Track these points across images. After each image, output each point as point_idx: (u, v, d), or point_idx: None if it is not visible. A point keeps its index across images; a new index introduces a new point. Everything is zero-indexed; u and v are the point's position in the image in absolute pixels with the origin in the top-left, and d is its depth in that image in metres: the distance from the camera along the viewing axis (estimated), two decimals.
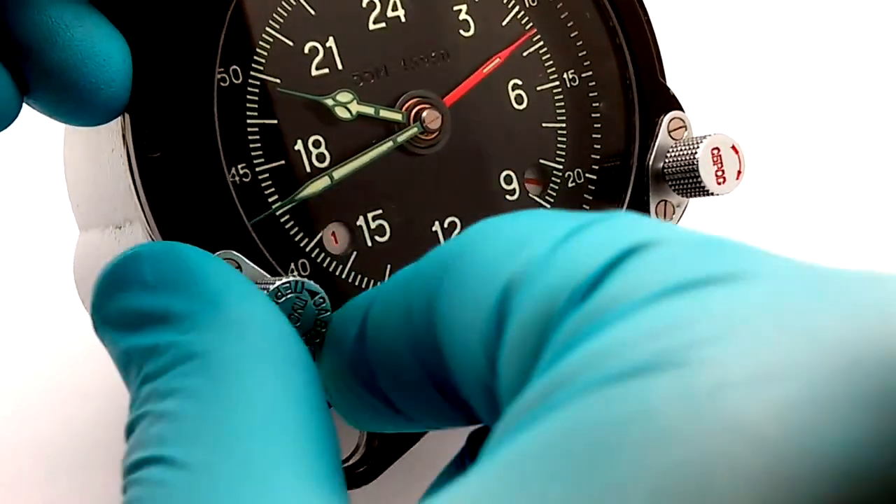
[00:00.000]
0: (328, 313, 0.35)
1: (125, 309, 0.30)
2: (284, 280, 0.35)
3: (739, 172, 0.43)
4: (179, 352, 0.28)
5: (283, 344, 0.30)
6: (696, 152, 0.42)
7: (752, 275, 0.21)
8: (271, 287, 0.34)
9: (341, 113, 0.41)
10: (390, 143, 0.41)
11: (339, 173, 0.41)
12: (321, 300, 0.35)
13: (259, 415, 0.27)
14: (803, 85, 0.69)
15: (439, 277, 0.28)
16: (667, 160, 0.44)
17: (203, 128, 0.38)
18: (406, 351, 0.29)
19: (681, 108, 0.45)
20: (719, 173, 0.43)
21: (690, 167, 0.43)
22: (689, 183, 0.43)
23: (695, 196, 0.44)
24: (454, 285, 0.27)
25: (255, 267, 0.37)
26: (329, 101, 0.41)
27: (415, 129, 0.42)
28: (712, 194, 0.43)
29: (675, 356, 0.20)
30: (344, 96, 0.41)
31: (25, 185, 0.58)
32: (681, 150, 0.43)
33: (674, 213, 0.45)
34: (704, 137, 0.43)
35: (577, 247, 0.24)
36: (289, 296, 0.35)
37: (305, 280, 0.35)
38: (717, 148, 0.43)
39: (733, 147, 0.43)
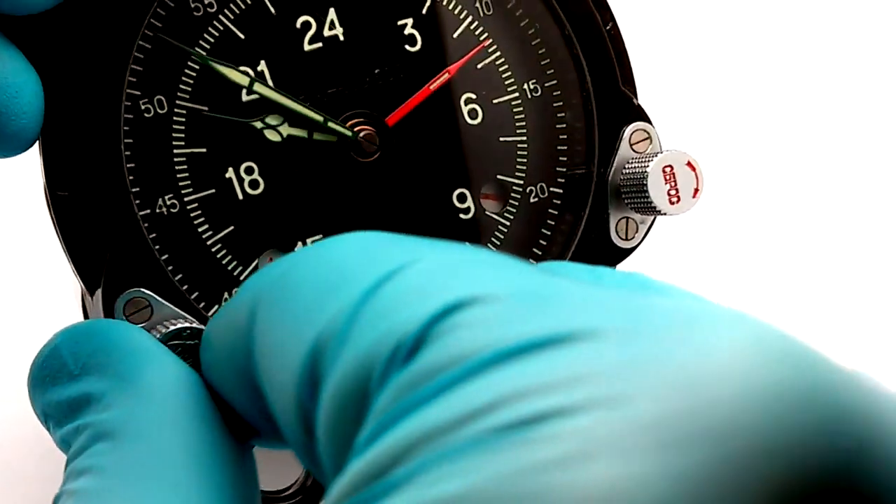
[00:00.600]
0: None
1: (56, 402, 0.32)
2: (171, 329, 0.34)
3: (696, 190, 0.40)
4: (95, 431, 0.29)
5: (188, 406, 0.30)
6: (646, 169, 0.40)
7: (586, 334, 0.20)
8: (160, 336, 0.34)
9: (271, 136, 0.40)
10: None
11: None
12: (189, 333, 0.35)
13: (163, 484, 0.28)
14: (789, 96, 0.66)
15: (252, 315, 0.27)
16: (622, 175, 0.42)
17: (110, 164, 0.38)
18: (237, 387, 0.29)
19: (646, 119, 0.43)
20: (672, 192, 0.40)
21: (640, 184, 0.40)
22: (640, 201, 0.41)
23: (649, 215, 0.42)
24: (265, 330, 0.26)
25: (167, 304, 0.37)
26: (258, 124, 0.40)
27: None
28: (664, 214, 0.40)
29: (507, 434, 0.19)
30: (274, 119, 0.40)
31: (27, 187, 0.60)
32: (634, 166, 0.41)
33: (636, 230, 0.43)
34: (660, 152, 0.41)
35: (389, 299, 0.23)
36: (181, 343, 0.34)
37: (190, 326, 0.35)
38: (670, 165, 0.40)
39: (689, 164, 0.40)
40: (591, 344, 0.20)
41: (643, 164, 0.40)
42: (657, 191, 0.40)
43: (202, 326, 0.35)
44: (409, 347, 0.21)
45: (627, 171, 0.41)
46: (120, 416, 0.29)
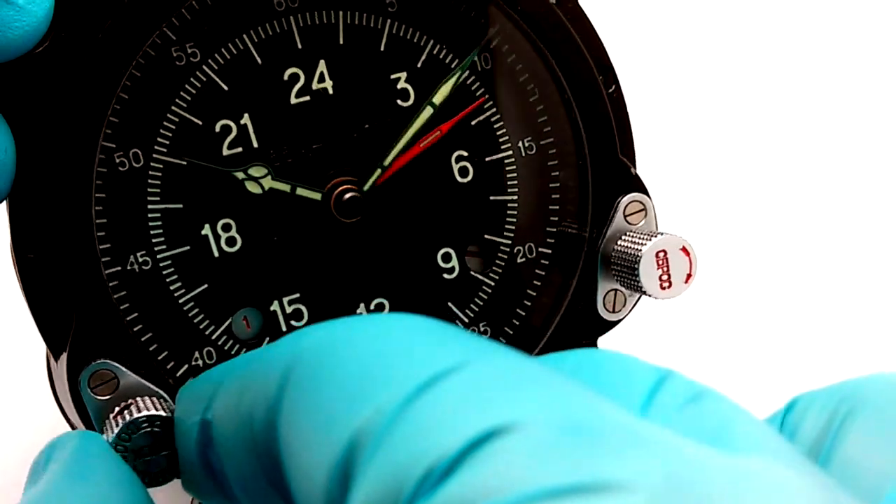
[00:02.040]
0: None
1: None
2: (114, 435, 0.34)
3: (689, 276, 0.39)
4: None
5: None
6: (639, 252, 0.39)
7: (624, 485, 0.19)
8: (110, 440, 0.33)
9: (252, 188, 0.39)
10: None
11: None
12: (147, 424, 0.34)
13: None
14: (790, 174, 0.65)
15: (280, 387, 0.26)
16: (614, 251, 0.40)
17: (77, 229, 0.36)
18: (249, 458, 0.28)
19: (644, 192, 0.41)
20: (664, 277, 0.39)
21: (631, 267, 0.39)
22: (630, 281, 0.40)
23: (639, 294, 0.40)
24: (296, 409, 0.25)
25: (134, 375, 0.36)
26: (239, 175, 0.38)
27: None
28: (654, 298, 0.39)
29: None
30: (257, 170, 0.39)
31: None
32: (627, 243, 0.40)
33: (624, 304, 0.42)
34: (655, 235, 0.39)
35: (430, 413, 0.22)
36: (130, 440, 0.34)
37: (148, 415, 0.34)
38: (664, 251, 0.39)
39: (684, 249, 0.39)
40: (619, 497, 0.19)
41: (636, 246, 0.39)
42: (648, 276, 0.39)
43: (164, 415, 0.34)
44: (441, 472, 0.21)
45: (620, 247, 0.40)
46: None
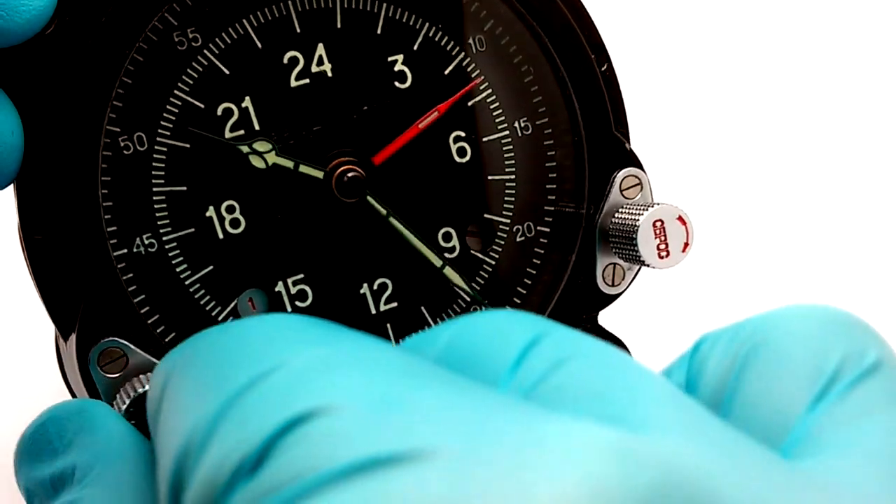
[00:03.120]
0: None
1: (39, 480, 0.31)
2: (133, 396, 0.34)
3: (686, 245, 0.40)
4: None
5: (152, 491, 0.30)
6: (636, 222, 0.39)
7: (424, 454, 0.20)
8: (124, 407, 0.34)
9: (256, 162, 0.39)
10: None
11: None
12: None
13: None
14: (784, 149, 0.66)
15: (160, 398, 0.26)
16: (611, 224, 0.41)
17: (85, 209, 0.37)
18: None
19: (639, 166, 0.42)
20: (661, 247, 0.39)
21: (629, 237, 0.40)
22: (629, 252, 0.40)
23: (637, 265, 0.41)
24: (161, 420, 0.26)
25: (142, 352, 0.36)
26: (244, 148, 0.39)
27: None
28: (652, 267, 0.40)
29: None
30: (261, 145, 0.39)
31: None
32: (624, 216, 0.40)
33: (623, 277, 0.42)
34: (651, 205, 0.40)
35: (246, 408, 0.22)
36: (139, 414, 0.34)
37: (142, 393, 0.34)
38: (661, 220, 0.39)
39: (680, 218, 0.40)
40: (420, 466, 0.20)
41: (633, 217, 0.40)
42: (646, 245, 0.39)
43: None
44: (253, 461, 0.21)
45: (617, 220, 0.41)
46: (97, 497, 0.29)
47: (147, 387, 0.34)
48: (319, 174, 0.40)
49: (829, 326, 0.27)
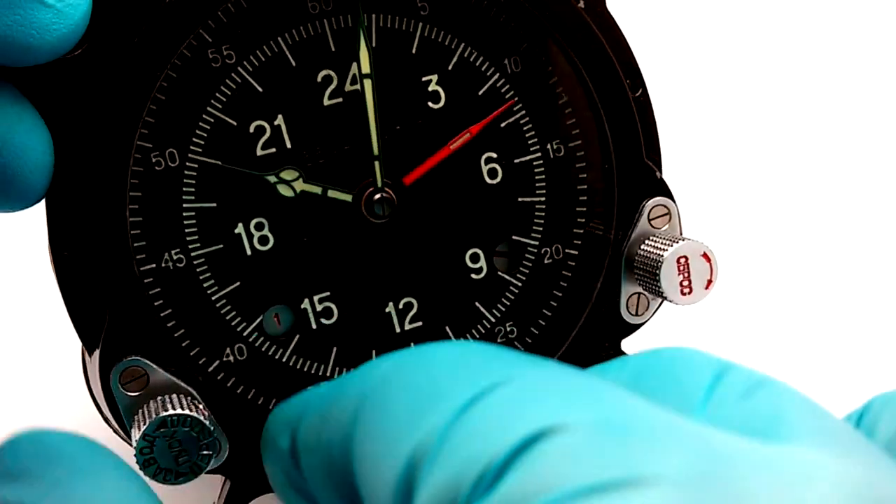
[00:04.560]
0: (211, 439, 0.35)
1: None
2: (156, 418, 0.34)
3: (710, 282, 0.40)
4: None
5: None
6: (660, 257, 0.39)
7: (654, 479, 0.21)
8: (144, 427, 0.34)
9: (284, 191, 0.39)
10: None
11: None
12: (199, 429, 0.35)
13: None
14: (806, 178, 0.65)
15: (354, 418, 0.27)
16: (637, 255, 0.41)
17: (112, 227, 0.37)
18: (331, 481, 0.29)
19: (669, 196, 0.42)
20: (685, 283, 0.39)
21: (653, 272, 0.40)
22: (652, 286, 0.40)
23: (660, 299, 0.41)
24: (366, 438, 0.27)
25: (164, 373, 0.37)
26: (272, 178, 0.39)
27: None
28: (673, 303, 0.40)
29: None
30: (289, 174, 0.39)
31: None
32: (650, 248, 0.40)
33: (647, 307, 0.42)
34: (677, 240, 0.40)
35: (478, 423, 0.24)
36: (156, 437, 0.34)
37: (179, 414, 0.35)
38: (686, 257, 0.39)
39: (705, 255, 0.39)
40: (650, 490, 0.20)
41: (658, 251, 0.39)
42: (669, 281, 0.39)
43: (192, 414, 0.35)
44: (493, 474, 0.22)
45: (643, 252, 0.41)
46: None
47: (172, 410, 0.35)
48: (348, 197, 0.40)
49: None
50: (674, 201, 0.42)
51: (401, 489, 0.25)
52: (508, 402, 0.24)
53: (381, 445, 0.26)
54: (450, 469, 0.23)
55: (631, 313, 0.42)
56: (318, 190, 0.39)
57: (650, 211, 0.42)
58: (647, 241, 0.41)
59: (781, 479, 0.21)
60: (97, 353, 0.36)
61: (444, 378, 0.26)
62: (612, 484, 0.21)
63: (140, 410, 0.36)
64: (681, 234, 0.42)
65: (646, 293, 0.42)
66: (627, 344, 0.43)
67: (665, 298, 0.40)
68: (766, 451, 0.22)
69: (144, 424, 0.35)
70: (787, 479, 0.21)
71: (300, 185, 0.39)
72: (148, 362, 0.37)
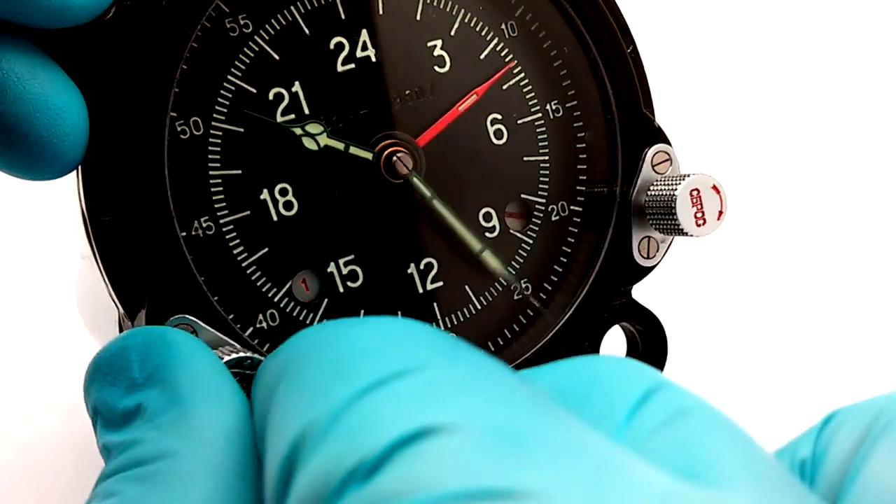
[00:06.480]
0: None
1: (110, 405, 0.31)
2: (233, 357, 0.34)
3: (721, 213, 0.42)
4: (136, 455, 0.29)
5: (230, 463, 0.29)
6: (674, 193, 0.41)
7: (533, 495, 0.20)
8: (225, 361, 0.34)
9: (309, 144, 0.40)
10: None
11: None
12: (247, 363, 0.35)
13: None
14: (802, 120, 0.68)
15: (271, 392, 0.27)
16: (647, 197, 0.43)
17: (153, 190, 0.37)
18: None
19: (667, 142, 0.44)
20: (699, 215, 0.41)
21: (668, 207, 0.41)
22: (667, 223, 0.42)
23: (674, 235, 0.43)
24: (274, 413, 0.26)
25: (212, 330, 0.37)
26: (297, 130, 0.40)
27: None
28: (690, 235, 0.41)
29: None
30: (314, 127, 0.40)
31: (31, 202, 0.59)
32: (660, 188, 0.42)
33: (657, 249, 0.44)
34: (686, 176, 0.42)
35: (370, 410, 0.23)
36: (240, 372, 0.34)
37: (251, 356, 0.35)
38: (697, 189, 0.41)
39: (714, 187, 0.41)
40: None
41: (671, 187, 0.41)
42: (685, 214, 0.41)
43: (262, 357, 0.35)
44: (368, 468, 0.22)
45: (653, 192, 0.42)
46: (164, 449, 0.29)
47: (240, 353, 0.35)
48: (368, 155, 0.41)
49: None
50: (671, 146, 0.44)
51: (283, 471, 0.24)
52: (406, 393, 0.23)
53: (278, 423, 0.25)
54: (329, 455, 0.22)
55: (643, 256, 0.44)
56: (340, 146, 0.40)
57: (652, 157, 0.43)
58: (653, 185, 0.43)
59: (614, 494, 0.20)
60: (142, 313, 0.36)
61: (352, 359, 0.25)
62: (486, 493, 0.20)
63: None
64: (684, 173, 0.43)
65: (655, 235, 0.43)
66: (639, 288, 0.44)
67: (682, 232, 0.41)
68: (666, 485, 0.21)
69: None
70: (617, 494, 0.20)
71: (324, 140, 0.40)
72: (195, 319, 0.37)
